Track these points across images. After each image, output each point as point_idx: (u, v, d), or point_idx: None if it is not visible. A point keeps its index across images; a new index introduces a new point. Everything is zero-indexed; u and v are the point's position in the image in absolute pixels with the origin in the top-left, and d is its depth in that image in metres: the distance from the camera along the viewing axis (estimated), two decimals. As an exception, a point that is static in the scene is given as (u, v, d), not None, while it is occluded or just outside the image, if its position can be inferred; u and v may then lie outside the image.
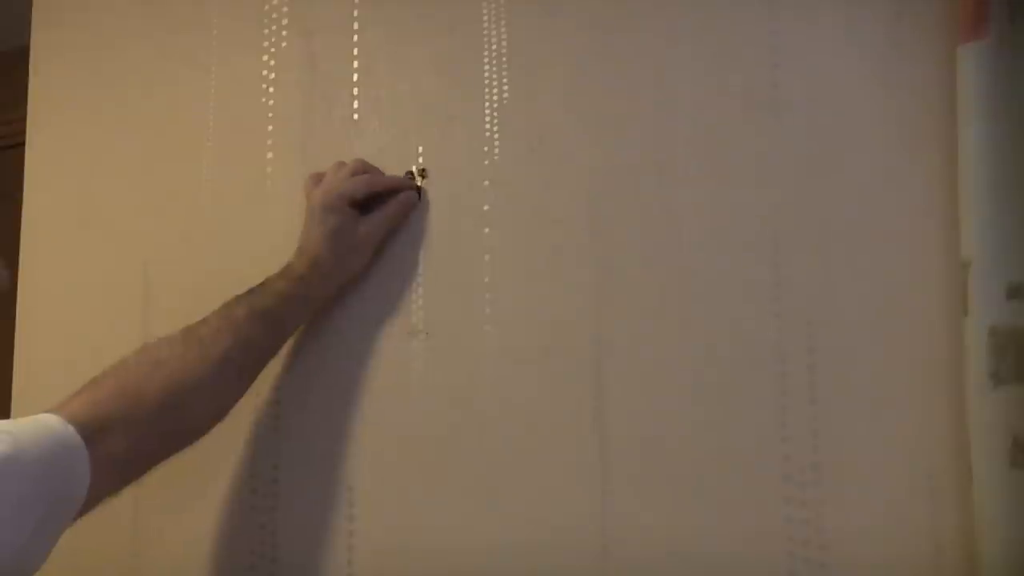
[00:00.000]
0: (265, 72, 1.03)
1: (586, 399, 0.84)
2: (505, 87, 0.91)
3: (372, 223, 0.92)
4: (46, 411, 0.75)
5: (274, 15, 1.04)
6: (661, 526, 0.80)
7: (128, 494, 0.81)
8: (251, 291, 0.88)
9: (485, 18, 0.92)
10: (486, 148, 0.91)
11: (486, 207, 0.91)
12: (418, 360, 0.91)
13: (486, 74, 0.92)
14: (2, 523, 0.67)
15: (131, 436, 0.78)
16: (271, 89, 1.03)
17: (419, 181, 0.94)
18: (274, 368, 0.96)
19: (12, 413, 1.11)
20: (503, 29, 0.92)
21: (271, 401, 0.97)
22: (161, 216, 1.07)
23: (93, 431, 0.75)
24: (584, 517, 0.82)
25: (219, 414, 0.87)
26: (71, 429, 0.73)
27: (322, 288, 0.91)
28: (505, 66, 0.91)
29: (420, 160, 0.94)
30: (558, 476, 0.84)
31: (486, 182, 0.91)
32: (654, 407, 0.82)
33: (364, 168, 0.94)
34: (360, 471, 0.92)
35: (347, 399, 0.94)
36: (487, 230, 0.90)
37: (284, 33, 1.03)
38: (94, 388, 0.79)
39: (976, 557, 0.67)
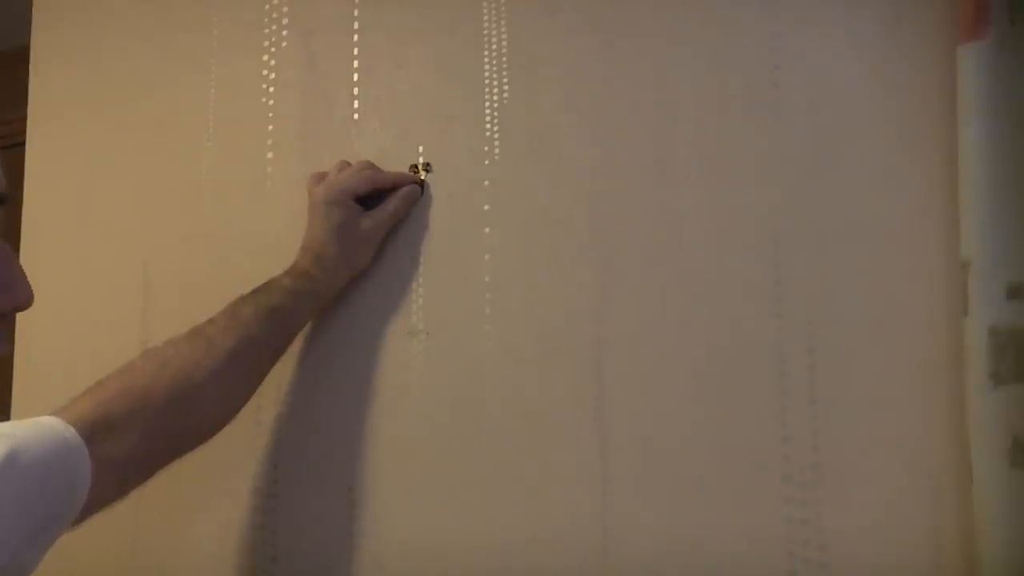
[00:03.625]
0: (265, 72, 1.03)
1: (586, 399, 0.84)
2: (505, 87, 0.91)
3: (376, 217, 0.92)
4: (49, 414, 0.74)
5: (274, 15, 1.04)
6: (661, 526, 0.80)
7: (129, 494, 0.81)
8: (257, 290, 0.88)
9: (485, 18, 0.92)
10: (486, 148, 0.91)
11: (486, 207, 0.91)
12: (418, 360, 0.91)
13: (486, 74, 0.92)
14: (6, 523, 0.66)
15: (136, 436, 0.77)
16: (271, 89, 1.03)
17: (422, 175, 0.94)
18: (274, 368, 0.96)
19: (12, 413, 1.11)
20: (503, 29, 0.92)
21: (271, 401, 0.97)
22: (161, 216, 1.07)
23: (96, 432, 0.74)
24: (584, 517, 0.82)
25: (227, 415, 0.86)
26: (72, 431, 0.72)
27: (327, 283, 0.91)
28: (505, 66, 0.91)
29: (421, 159, 0.94)
30: (558, 476, 0.84)
31: (486, 182, 0.91)
32: (654, 407, 0.82)
33: (367, 166, 0.94)
34: (360, 471, 0.92)
35: (347, 399, 0.94)
36: (487, 230, 0.90)
37: (284, 33, 1.03)
38: (98, 390, 0.78)
39: (976, 557, 0.67)
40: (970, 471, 0.67)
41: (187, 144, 1.07)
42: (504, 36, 0.92)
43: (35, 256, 1.14)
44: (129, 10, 1.13)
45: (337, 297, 0.95)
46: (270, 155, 1.02)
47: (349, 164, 0.95)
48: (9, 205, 0.70)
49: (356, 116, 0.98)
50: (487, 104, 0.91)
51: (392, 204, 0.92)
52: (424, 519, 0.89)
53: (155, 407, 0.79)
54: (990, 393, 0.66)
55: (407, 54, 0.96)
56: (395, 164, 0.95)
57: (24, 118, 1.19)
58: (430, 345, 0.91)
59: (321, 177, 0.94)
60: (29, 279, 0.68)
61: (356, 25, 0.99)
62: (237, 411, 0.87)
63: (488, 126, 0.91)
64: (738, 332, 0.79)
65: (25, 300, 0.66)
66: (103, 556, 1.02)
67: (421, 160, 0.94)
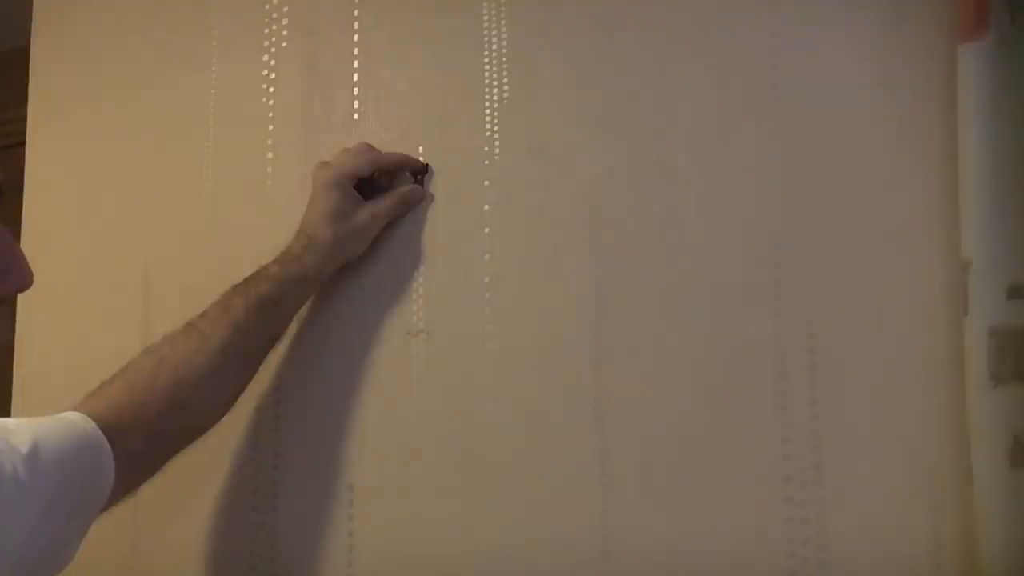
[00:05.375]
0: (265, 72, 1.03)
1: (586, 399, 0.84)
2: (505, 87, 0.91)
3: (374, 209, 0.92)
4: (70, 410, 0.77)
5: (274, 15, 1.04)
6: (661, 526, 0.80)
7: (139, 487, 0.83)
8: (247, 280, 0.88)
9: (485, 18, 0.92)
10: (486, 148, 0.91)
11: (486, 207, 0.91)
12: (418, 360, 0.91)
13: (486, 74, 0.92)
14: (36, 516, 0.69)
15: (143, 434, 0.80)
16: (271, 89, 1.03)
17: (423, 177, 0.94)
18: (274, 368, 0.96)
19: (12, 413, 1.11)
20: (503, 29, 0.92)
21: (271, 401, 0.97)
22: (161, 216, 1.07)
23: (113, 430, 0.77)
24: (584, 517, 0.82)
25: (225, 406, 0.88)
26: (92, 424, 0.76)
27: (317, 269, 0.90)
28: (505, 66, 0.91)
29: (421, 159, 0.94)
30: (558, 476, 0.84)
31: (486, 182, 0.91)
32: (654, 407, 0.81)
33: (366, 148, 0.94)
34: (360, 471, 0.92)
35: (347, 399, 0.94)
36: (487, 230, 0.90)
37: (284, 33, 1.03)
38: (105, 389, 0.81)
39: (976, 557, 0.67)
40: (970, 471, 0.67)
41: (187, 144, 1.06)
42: (504, 36, 0.92)
43: (35, 256, 1.14)
44: (129, 10, 1.13)
45: (337, 296, 0.95)
46: (270, 155, 1.02)
47: (350, 148, 0.94)
48: (9, 202, 0.71)
49: (356, 116, 0.98)
50: (487, 104, 0.91)
51: (392, 199, 0.92)
52: (424, 519, 0.89)
53: (157, 410, 0.81)
54: (990, 393, 0.66)
55: (407, 54, 0.96)
56: (395, 164, 0.95)
57: (24, 118, 1.19)
58: (430, 345, 0.91)
59: (326, 163, 0.94)
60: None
61: (356, 25, 0.99)
62: (234, 402, 0.89)
63: (488, 126, 0.91)
64: (738, 332, 0.79)
65: (25, 282, 0.68)
66: (102, 556, 1.02)
67: (421, 160, 0.94)
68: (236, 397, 0.89)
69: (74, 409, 0.77)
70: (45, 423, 0.74)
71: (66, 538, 0.73)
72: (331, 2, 1.01)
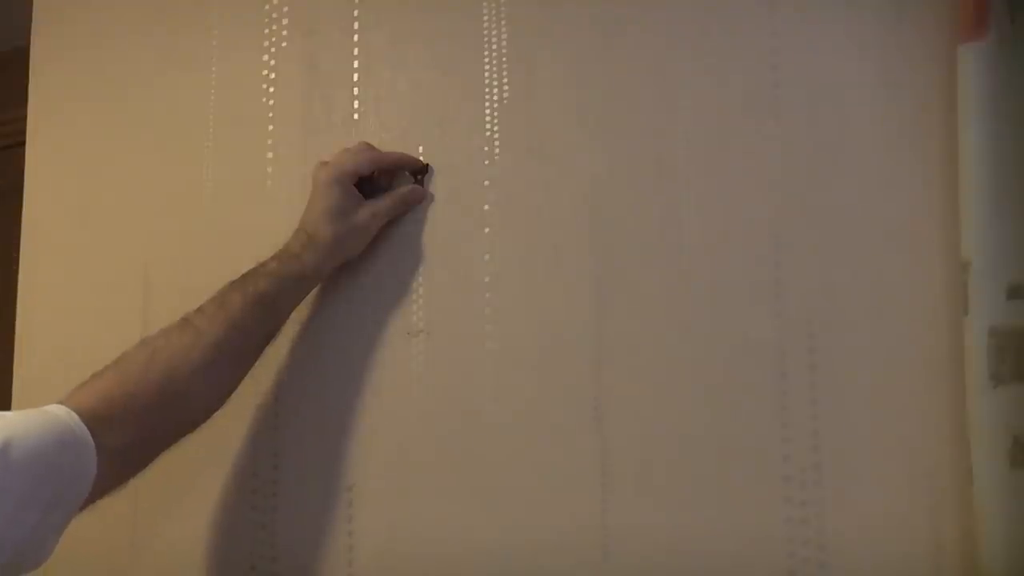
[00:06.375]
0: (265, 72, 1.03)
1: (586, 399, 0.84)
2: (505, 87, 0.91)
3: (374, 208, 0.92)
4: (57, 402, 0.76)
5: (274, 15, 1.04)
6: (661, 526, 0.80)
7: (127, 494, 0.82)
8: (244, 276, 0.88)
9: (485, 18, 0.92)
10: (486, 148, 0.91)
11: (486, 207, 0.91)
12: (418, 360, 0.91)
13: (486, 74, 0.92)
14: (10, 510, 0.68)
15: (132, 427, 0.79)
16: (271, 89, 1.03)
17: (423, 178, 0.94)
18: (274, 368, 0.96)
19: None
20: (503, 29, 0.92)
21: (271, 401, 0.97)
22: (161, 216, 1.07)
23: (97, 422, 0.76)
24: (584, 517, 0.82)
25: (218, 402, 0.87)
26: (76, 418, 0.75)
27: (316, 267, 0.90)
28: (505, 66, 0.91)
29: (421, 159, 0.94)
30: (558, 476, 0.84)
31: (486, 182, 0.91)
32: (654, 407, 0.82)
33: (366, 148, 0.94)
34: (360, 471, 0.92)
35: (347, 399, 0.94)
36: (487, 230, 0.90)
37: (284, 33, 1.03)
38: (96, 381, 0.80)
39: (976, 557, 0.67)
40: (970, 471, 0.67)
41: (187, 144, 1.06)
42: (504, 36, 0.92)
43: (35, 256, 1.14)
44: (129, 10, 1.13)
45: (337, 296, 0.95)
46: (270, 155, 1.02)
47: (350, 148, 0.94)
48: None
49: (356, 116, 0.98)
50: (487, 104, 0.91)
51: (392, 199, 0.92)
52: (424, 519, 0.89)
53: (147, 400, 0.81)
54: (990, 393, 0.66)
55: (407, 54, 0.97)
56: (395, 164, 0.95)
57: (24, 118, 1.19)
58: (430, 345, 0.91)
59: (326, 163, 0.94)
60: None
61: (356, 25, 0.99)
62: (226, 398, 0.88)
63: (488, 126, 0.91)
64: (738, 332, 0.79)
65: None
66: (102, 555, 1.02)
67: (421, 160, 0.94)
68: (229, 393, 0.88)
69: (61, 402, 0.76)
70: (23, 417, 0.73)
71: (44, 532, 0.72)
72: (331, 2, 1.01)
